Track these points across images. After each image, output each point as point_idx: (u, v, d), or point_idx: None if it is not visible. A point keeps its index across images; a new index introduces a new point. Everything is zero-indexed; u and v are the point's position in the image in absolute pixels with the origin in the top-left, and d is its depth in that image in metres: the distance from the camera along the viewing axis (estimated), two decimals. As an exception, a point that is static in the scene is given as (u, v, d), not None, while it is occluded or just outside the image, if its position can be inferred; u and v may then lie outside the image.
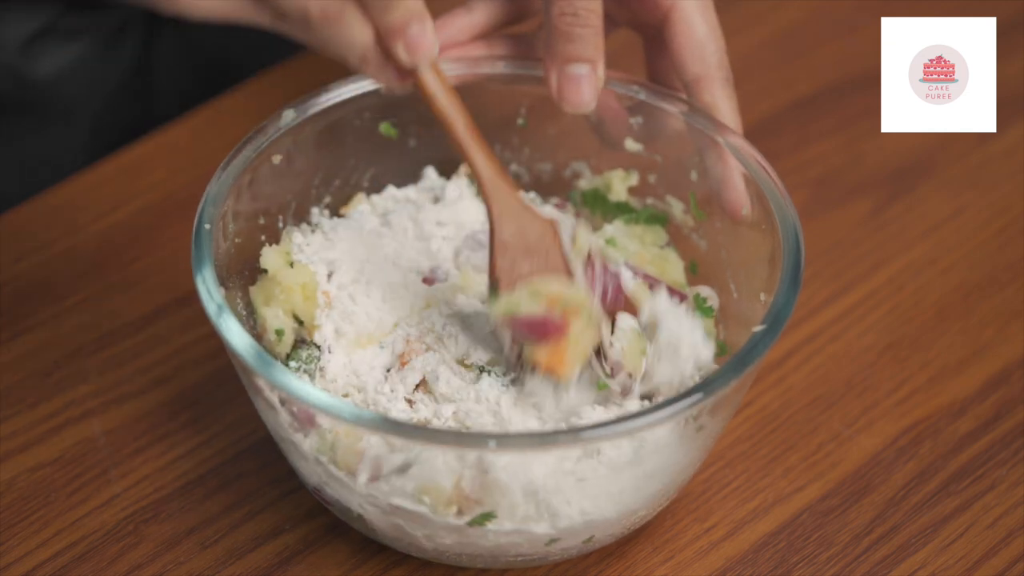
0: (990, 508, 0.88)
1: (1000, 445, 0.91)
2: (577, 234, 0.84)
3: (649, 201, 0.92)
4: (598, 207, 0.92)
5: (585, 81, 0.86)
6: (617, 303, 0.84)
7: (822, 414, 0.92)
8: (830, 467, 0.90)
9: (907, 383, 0.94)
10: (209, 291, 0.79)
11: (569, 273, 0.83)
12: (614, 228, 0.91)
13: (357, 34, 0.75)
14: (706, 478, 0.89)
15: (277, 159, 0.88)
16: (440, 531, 0.80)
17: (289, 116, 0.87)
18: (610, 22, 0.91)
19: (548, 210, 0.92)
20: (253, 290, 0.85)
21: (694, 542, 0.87)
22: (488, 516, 0.79)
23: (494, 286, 0.83)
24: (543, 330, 0.81)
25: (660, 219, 0.91)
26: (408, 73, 0.78)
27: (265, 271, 0.86)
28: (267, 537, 0.87)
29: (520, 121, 0.93)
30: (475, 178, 0.83)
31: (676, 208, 0.91)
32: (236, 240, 0.86)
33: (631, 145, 0.91)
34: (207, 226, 0.82)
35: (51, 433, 0.91)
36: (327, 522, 0.86)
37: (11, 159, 1.10)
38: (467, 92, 0.90)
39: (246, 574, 0.85)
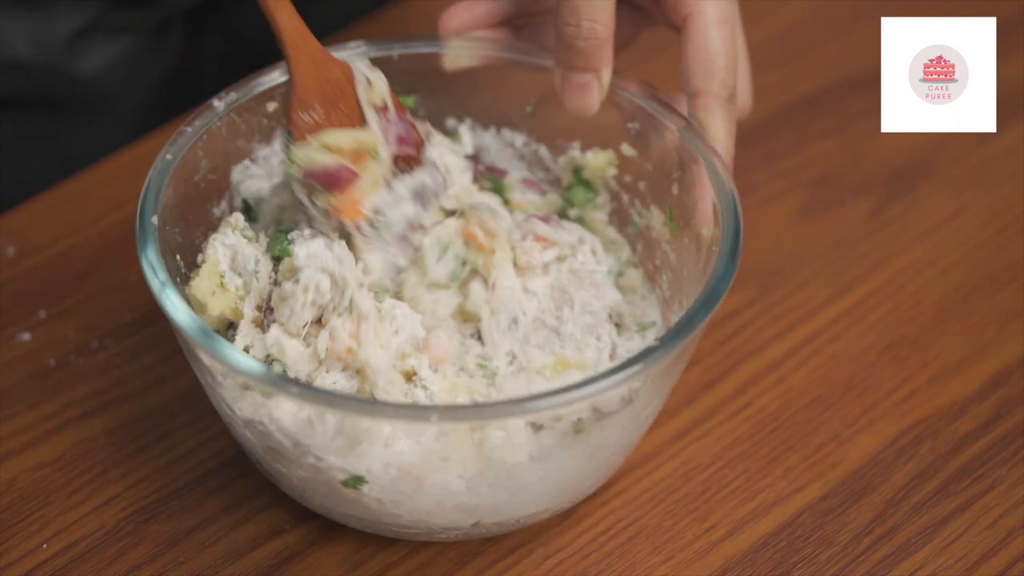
0: (990, 508, 0.88)
1: (1000, 445, 0.91)
2: (371, 80, 0.86)
3: (635, 205, 0.92)
4: (575, 181, 0.94)
5: (587, 88, 0.86)
6: (409, 143, 0.87)
7: (822, 414, 0.92)
8: (830, 467, 0.90)
9: (907, 383, 0.94)
10: (153, 268, 0.81)
11: (362, 119, 0.86)
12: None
13: None
14: (706, 478, 0.89)
15: (272, 106, 0.90)
16: (320, 486, 0.81)
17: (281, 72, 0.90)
18: (647, 19, 0.91)
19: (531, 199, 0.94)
20: (189, 288, 0.86)
21: (694, 542, 0.87)
22: (359, 480, 0.80)
23: (290, 138, 0.85)
24: (335, 180, 0.84)
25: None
26: None
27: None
28: (267, 537, 0.87)
29: (528, 109, 0.94)
30: (276, 32, 0.86)
31: (656, 219, 0.91)
32: (210, 177, 0.89)
33: (627, 150, 0.91)
34: (168, 157, 0.85)
35: (51, 433, 0.91)
36: (327, 522, 0.87)
37: (57, 154, 1.11)
38: (483, 73, 0.92)
39: (246, 574, 0.85)
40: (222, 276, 0.85)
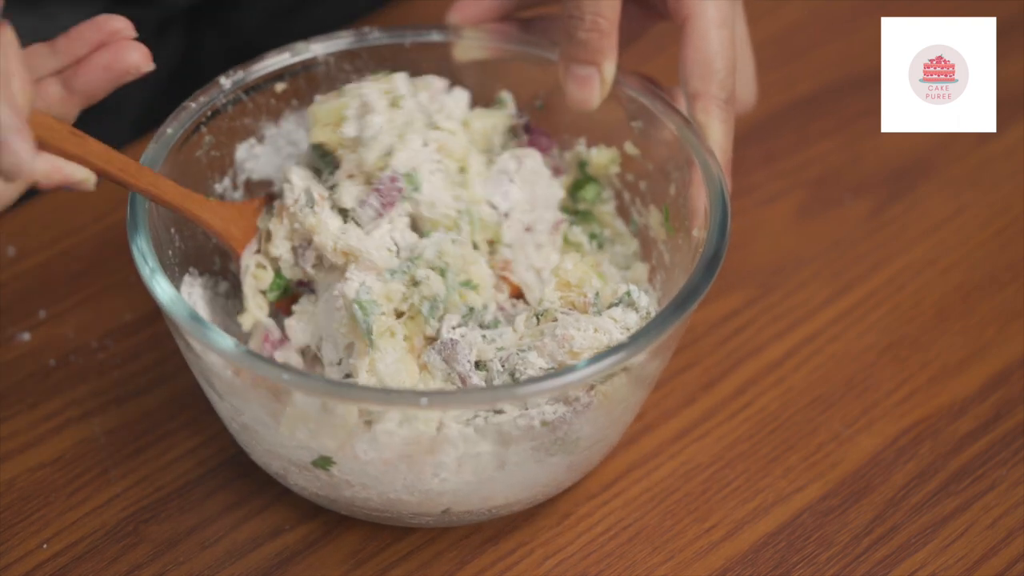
0: (990, 508, 0.88)
1: (1000, 445, 0.91)
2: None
3: (636, 204, 0.92)
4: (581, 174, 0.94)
5: (589, 81, 0.86)
6: None
7: (822, 414, 0.92)
8: (830, 467, 0.90)
9: (907, 383, 0.94)
10: (144, 256, 0.81)
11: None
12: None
13: None
14: (706, 478, 0.89)
15: (280, 87, 0.91)
16: (292, 465, 0.82)
17: (301, 48, 0.91)
18: (655, 14, 0.91)
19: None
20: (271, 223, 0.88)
21: (694, 542, 0.87)
22: (328, 461, 0.80)
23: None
24: None
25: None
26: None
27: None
28: (267, 537, 0.87)
29: (538, 103, 0.94)
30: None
31: (655, 218, 0.91)
32: (213, 154, 0.89)
33: (630, 148, 0.91)
34: (169, 131, 0.86)
35: (51, 433, 0.91)
36: (327, 522, 0.87)
37: None
38: (492, 66, 0.92)
39: (246, 574, 0.85)
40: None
